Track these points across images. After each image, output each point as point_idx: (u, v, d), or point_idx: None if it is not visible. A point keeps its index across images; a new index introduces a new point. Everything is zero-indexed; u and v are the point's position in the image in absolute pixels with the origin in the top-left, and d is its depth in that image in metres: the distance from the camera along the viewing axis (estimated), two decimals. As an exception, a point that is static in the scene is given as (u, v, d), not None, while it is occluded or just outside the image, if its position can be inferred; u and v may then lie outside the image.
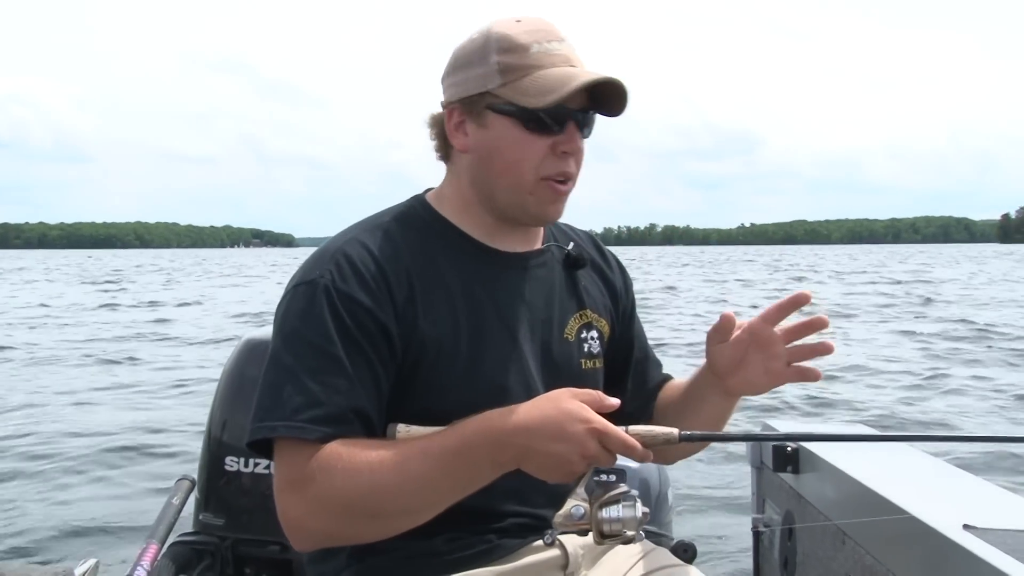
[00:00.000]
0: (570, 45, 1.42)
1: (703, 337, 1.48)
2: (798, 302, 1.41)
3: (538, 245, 1.54)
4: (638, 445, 1.26)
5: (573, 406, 1.24)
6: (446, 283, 1.42)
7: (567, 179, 1.43)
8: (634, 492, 1.30)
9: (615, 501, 1.29)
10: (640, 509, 1.29)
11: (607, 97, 1.40)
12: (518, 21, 1.42)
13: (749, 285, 32.03)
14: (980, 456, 6.25)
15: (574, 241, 1.60)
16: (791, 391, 9.02)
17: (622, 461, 2.11)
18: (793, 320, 1.43)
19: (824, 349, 1.41)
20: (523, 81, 1.37)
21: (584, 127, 1.42)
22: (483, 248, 1.48)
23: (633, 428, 1.27)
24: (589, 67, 1.43)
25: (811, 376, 1.42)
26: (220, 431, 2.11)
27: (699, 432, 1.34)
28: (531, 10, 1.47)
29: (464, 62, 1.43)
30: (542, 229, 1.56)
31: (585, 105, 1.40)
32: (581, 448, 1.23)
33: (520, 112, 1.38)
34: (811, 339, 1.42)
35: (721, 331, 1.43)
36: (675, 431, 1.28)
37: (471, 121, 1.42)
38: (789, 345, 1.42)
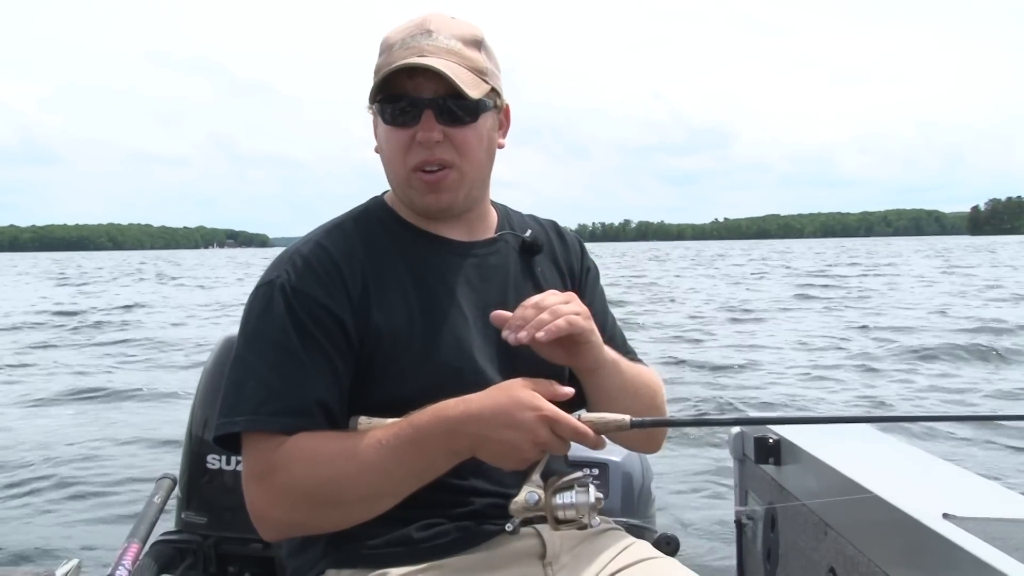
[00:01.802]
0: (442, 35, 1.44)
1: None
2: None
3: (490, 234, 1.57)
4: (590, 432, 1.30)
5: (524, 394, 1.29)
6: (399, 274, 1.46)
7: (439, 167, 1.44)
8: (588, 477, 1.32)
9: (568, 487, 1.31)
10: (593, 494, 1.31)
11: (455, 83, 1.41)
12: (410, 20, 1.48)
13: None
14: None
15: (532, 229, 1.62)
16: (777, 392, 9.12)
17: (605, 455, 2.12)
18: None
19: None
20: (377, 78, 1.43)
21: (445, 114, 1.42)
22: (432, 238, 1.51)
23: (585, 415, 1.31)
24: (493, 54, 1.47)
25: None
26: (201, 429, 2.10)
27: (649, 419, 1.39)
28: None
29: None
30: (494, 218, 1.60)
31: (449, 92, 1.41)
32: (532, 435, 1.27)
33: (378, 109, 1.45)
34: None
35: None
36: (626, 418, 1.33)
37: (376, 123, 1.49)
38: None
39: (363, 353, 1.41)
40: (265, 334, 1.38)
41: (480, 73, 1.45)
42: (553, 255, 1.64)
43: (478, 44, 1.47)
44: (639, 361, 1.67)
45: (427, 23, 1.45)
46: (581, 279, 1.67)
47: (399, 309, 1.43)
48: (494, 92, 1.48)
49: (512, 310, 1.49)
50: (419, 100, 1.41)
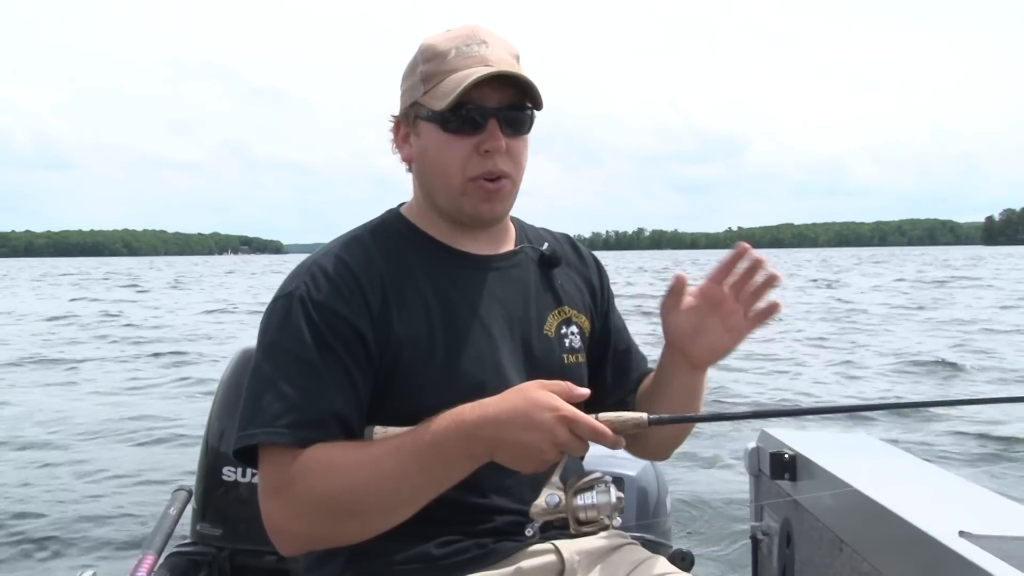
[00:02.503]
0: (496, 46, 1.45)
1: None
2: (739, 255, 1.45)
3: (510, 247, 1.58)
4: (608, 431, 1.29)
5: (541, 395, 1.28)
6: (419, 287, 1.45)
7: (498, 177, 1.45)
8: (608, 478, 1.32)
9: (589, 487, 1.31)
10: (615, 494, 1.30)
11: (529, 91, 1.43)
12: (448, 31, 1.48)
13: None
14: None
15: (548, 242, 1.63)
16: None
17: (620, 469, 2.12)
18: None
19: (772, 308, 1.46)
20: (439, 86, 1.42)
21: (508, 124, 1.44)
22: (453, 252, 1.52)
23: (603, 415, 1.30)
24: (526, 69, 1.46)
25: (771, 312, 1.46)
26: (217, 441, 2.11)
27: (667, 416, 1.36)
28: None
29: (403, 76, 1.50)
30: (513, 232, 1.60)
31: (512, 102, 1.43)
32: (551, 436, 1.26)
33: (436, 116, 1.43)
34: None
35: (674, 295, 1.48)
36: (644, 416, 1.32)
37: (411, 131, 1.49)
38: (741, 294, 1.46)
39: (382, 366, 1.40)
40: (283, 346, 1.38)
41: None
42: (571, 269, 1.65)
43: (518, 58, 1.49)
44: (651, 369, 1.68)
45: (479, 33, 1.45)
46: (604, 298, 1.69)
47: (420, 322, 1.43)
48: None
49: (534, 323, 1.52)
50: (486, 110, 1.42)
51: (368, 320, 1.40)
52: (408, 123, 1.50)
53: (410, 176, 1.55)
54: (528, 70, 1.51)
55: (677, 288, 1.47)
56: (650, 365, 1.73)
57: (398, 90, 1.53)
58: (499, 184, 1.46)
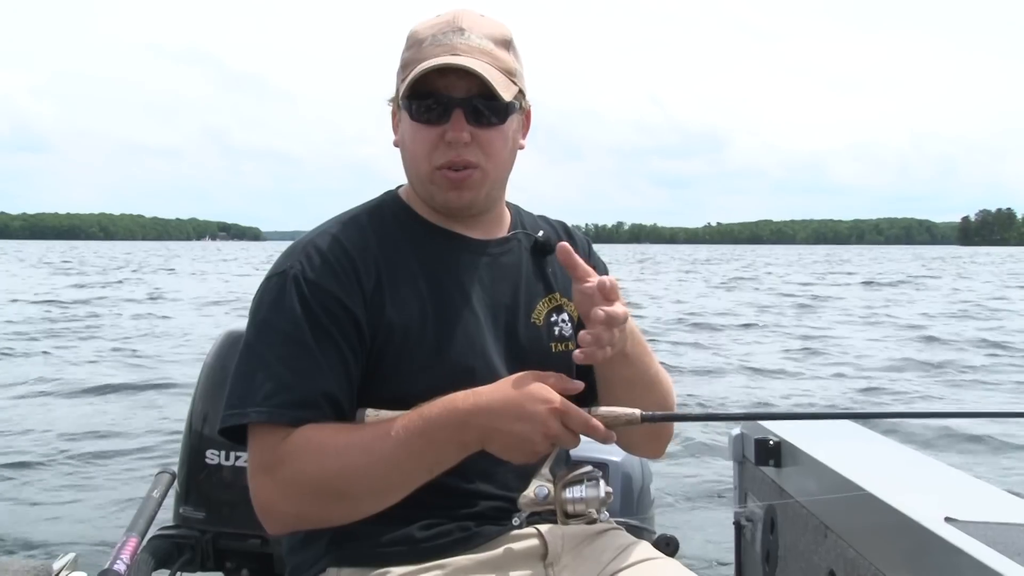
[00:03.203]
0: (474, 33, 1.43)
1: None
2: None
3: (504, 233, 1.57)
4: (600, 426, 1.29)
5: (535, 387, 1.28)
6: (412, 270, 1.45)
7: (464, 167, 1.44)
8: (597, 472, 1.32)
9: (579, 481, 1.31)
10: (604, 489, 1.31)
11: (490, 85, 1.41)
12: (437, 16, 1.46)
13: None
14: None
15: (543, 229, 1.62)
16: (778, 394, 9.14)
17: (605, 455, 2.11)
18: None
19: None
20: (410, 75, 1.41)
21: (474, 115, 1.42)
22: (447, 235, 1.51)
23: (596, 409, 1.30)
24: (519, 55, 1.47)
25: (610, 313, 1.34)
26: (201, 424, 2.10)
27: (660, 413, 1.38)
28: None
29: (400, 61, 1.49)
30: (508, 217, 1.60)
31: (480, 92, 1.41)
32: (543, 428, 1.26)
33: (406, 105, 1.43)
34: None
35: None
36: (637, 412, 1.32)
37: (400, 117, 1.49)
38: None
39: (374, 348, 1.40)
40: (276, 325, 1.37)
41: (510, 74, 1.45)
42: None
43: (507, 44, 1.47)
44: None
45: (459, 20, 1.44)
46: None
47: (412, 305, 1.42)
48: (520, 93, 1.48)
49: (522, 310, 1.51)
50: (450, 99, 1.41)
51: (361, 301, 1.39)
52: (397, 109, 1.49)
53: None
54: (523, 53, 1.49)
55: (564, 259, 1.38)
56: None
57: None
58: (464, 174, 1.44)
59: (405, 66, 1.44)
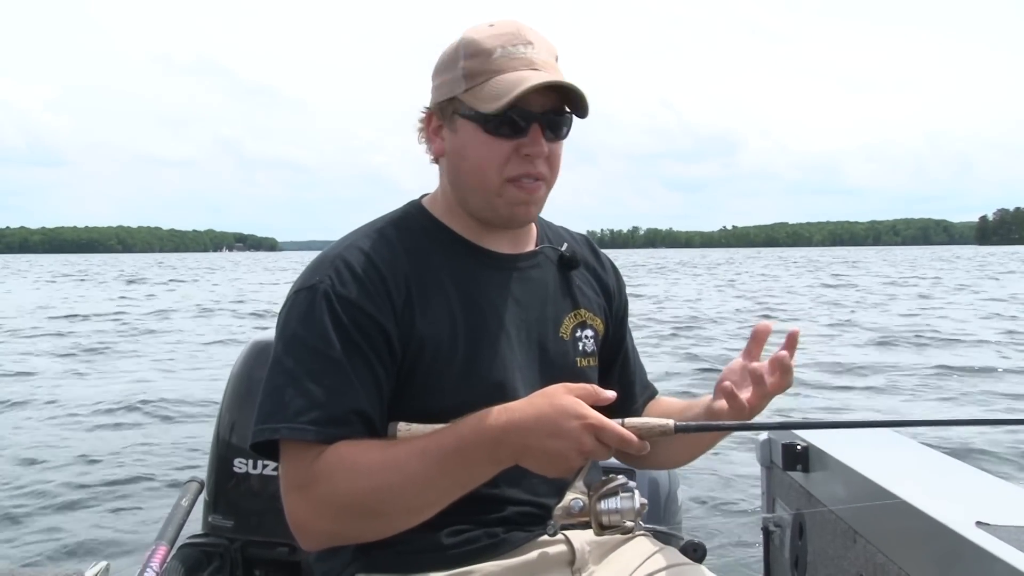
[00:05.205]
0: (541, 48, 1.43)
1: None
2: (761, 337, 1.40)
3: (531, 247, 1.57)
4: (634, 438, 1.26)
5: (568, 402, 1.26)
6: (442, 285, 1.44)
7: (535, 180, 1.44)
8: (632, 483, 1.31)
9: (613, 493, 1.30)
10: (638, 500, 1.30)
11: (575, 98, 1.41)
12: (491, 26, 1.45)
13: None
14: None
15: (568, 243, 1.61)
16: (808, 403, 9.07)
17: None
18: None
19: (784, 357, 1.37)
20: (484, 86, 1.40)
21: (550, 129, 1.42)
22: (476, 249, 1.50)
23: (629, 421, 1.28)
24: (561, 69, 1.44)
25: (783, 366, 1.36)
26: (228, 433, 2.11)
27: (694, 423, 1.34)
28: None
29: (440, 68, 1.47)
30: (534, 231, 1.59)
31: (554, 106, 1.41)
32: (577, 444, 1.24)
33: (479, 117, 1.41)
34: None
35: (757, 342, 1.41)
36: (671, 422, 1.29)
37: (446, 126, 1.46)
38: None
39: (405, 364, 1.39)
40: (306, 340, 1.36)
41: None
42: (588, 271, 1.64)
43: (557, 58, 1.47)
44: (656, 392, 1.71)
45: (524, 32, 1.43)
46: (621, 303, 1.68)
47: (443, 320, 1.42)
48: None
49: (550, 325, 1.52)
50: (531, 114, 1.40)
51: (392, 317, 1.38)
52: (443, 117, 1.47)
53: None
54: (566, 69, 1.49)
55: (760, 336, 1.40)
56: (649, 377, 1.75)
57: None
58: (535, 186, 1.45)
59: (472, 76, 1.41)
